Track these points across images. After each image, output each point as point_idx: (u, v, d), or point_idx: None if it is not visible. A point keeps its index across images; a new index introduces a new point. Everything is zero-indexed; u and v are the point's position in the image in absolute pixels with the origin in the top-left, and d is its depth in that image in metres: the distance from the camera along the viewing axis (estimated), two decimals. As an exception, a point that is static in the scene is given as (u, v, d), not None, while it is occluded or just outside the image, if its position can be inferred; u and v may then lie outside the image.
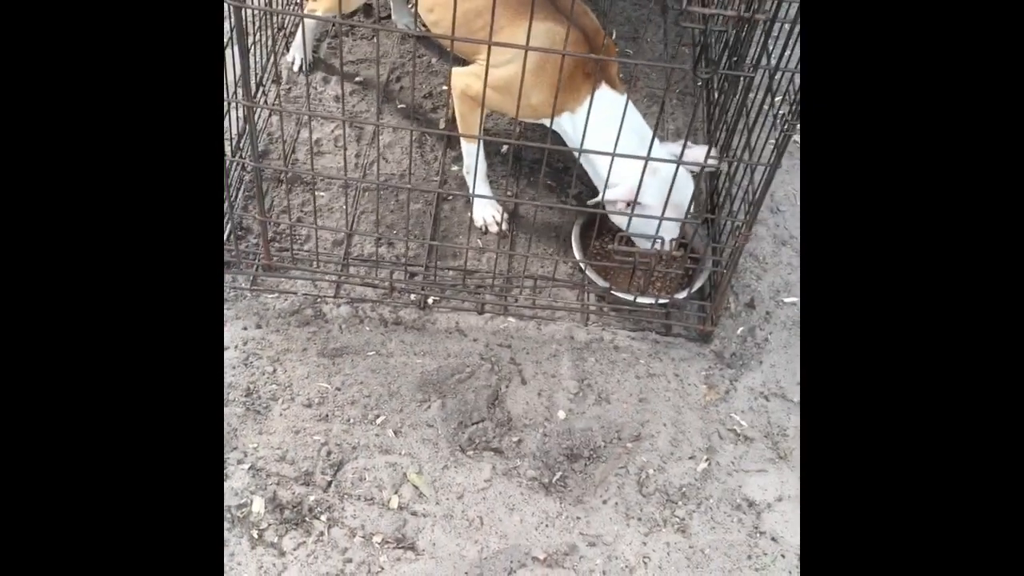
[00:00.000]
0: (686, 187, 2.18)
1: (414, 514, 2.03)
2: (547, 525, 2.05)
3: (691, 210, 2.19)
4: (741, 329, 2.44)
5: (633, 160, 2.09)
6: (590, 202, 2.27)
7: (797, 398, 2.32)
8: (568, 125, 2.28)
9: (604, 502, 2.10)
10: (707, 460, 2.19)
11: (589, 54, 2.04)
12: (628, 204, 2.18)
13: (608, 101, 2.22)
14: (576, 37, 2.19)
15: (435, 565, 1.96)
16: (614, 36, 3.14)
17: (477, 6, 2.21)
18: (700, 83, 2.98)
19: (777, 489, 2.16)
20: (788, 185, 2.80)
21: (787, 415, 2.29)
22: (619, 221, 2.29)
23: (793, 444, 2.24)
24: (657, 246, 2.16)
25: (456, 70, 2.40)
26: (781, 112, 1.95)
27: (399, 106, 2.85)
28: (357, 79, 2.91)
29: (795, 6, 1.93)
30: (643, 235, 2.19)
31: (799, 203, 2.75)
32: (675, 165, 2.04)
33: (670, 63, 1.68)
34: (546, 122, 2.33)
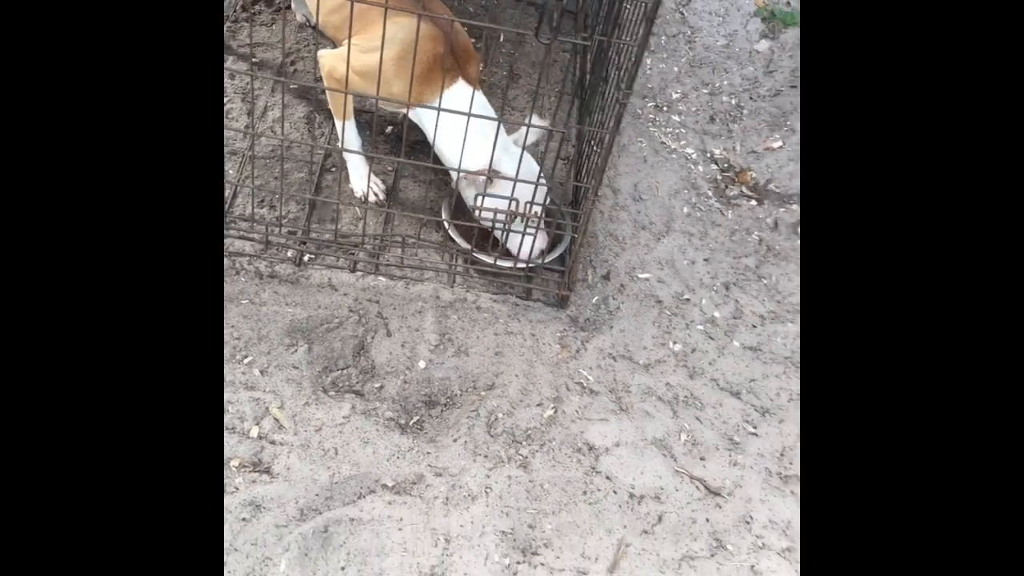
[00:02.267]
0: (531, 162, 2.39)
1: (272, 443, 2.15)
2: (398, 457, 2.19)
3: (542, 177, 2.39)
4: (596, 298, 2.64)
5: (483, 144, 2.30)
6: (454, 184, 2.45)
7: (643, 360, 2.52)
8: (426, 116, 2.46)
9: (454, 440, 2.25)
10: (554, 408, 2.36)
11: (440, 36, 2.22)
12: (487, 180, 2.38)
13: (464, 95, 2.39)
14: (434, 33, 2.37)
15: (288, 487, 2.08)
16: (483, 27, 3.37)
17: None
18: (569, 52, 3.21)
19: (616, 436, 2.34)
20: (651, 178, 3.03)
21: (631, 374, 2.48)
22: (470, 197, 2.48)
23: (635, 399, 2.43)
24: (514, 207, 2.34)
25: (323, 52, 2.57)
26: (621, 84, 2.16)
27: (292, 86, 3.00)
28: (253, 60, 3.07)
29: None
30: (501, 196, 2.37)
31: (662, 194, 2.98)
32: (521, 148, 2.26)
33: (517, 29, 1.88)
34: (409, 112, 2.50)
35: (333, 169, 2.79)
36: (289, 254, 2.54)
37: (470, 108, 2.21)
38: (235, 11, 3.19)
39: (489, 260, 2.52)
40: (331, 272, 2.53)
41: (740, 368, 2.56)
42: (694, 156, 3.18)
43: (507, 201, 2.33)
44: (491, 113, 2.46)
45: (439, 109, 2.23)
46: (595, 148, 2.50)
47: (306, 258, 2.54)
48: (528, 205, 2.32)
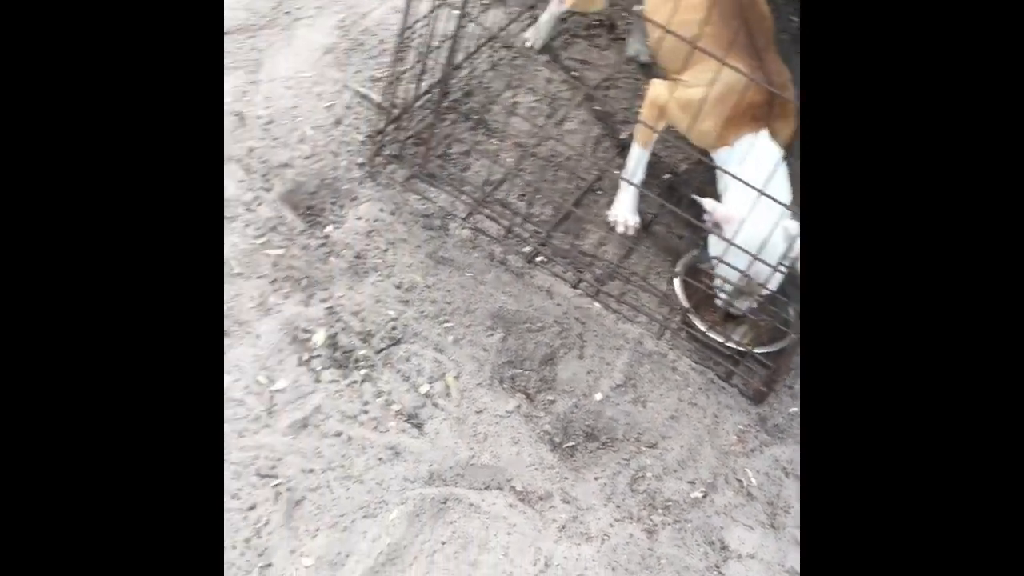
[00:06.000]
0: (779, 243, 2.33)
1: (435, 405, 2.25)
2: (537, 469, 2.22)
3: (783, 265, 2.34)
4: (794, 409, 2.52)
5: (750, 203, 2.27)
6: (696, 196, 2.45)
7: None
8: (723, 159, 2.48)
9: (595, 479, 2.24)
10: (704, 492, 2.28)
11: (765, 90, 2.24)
12: (716, 224, 2.38)
13: (764, 147, 2.39)
14: (761, 87, 2.38)
15: (430, 449, 2.17)
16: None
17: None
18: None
19: (754, 549, 2.22)
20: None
21: (798, 497, 2.35)
22: (715, 246, 2.47)
23: (790, 521, 2.30)
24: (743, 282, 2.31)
25: (655, 80, 2.65)
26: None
27: (595, 107, 3.12)
28: (573, 73, 3.22)
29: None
30: (728, 263, 2.35)
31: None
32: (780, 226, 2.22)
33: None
34: (711, 152, 2.54)
35: (599, 192, 2.87)
36: (525, 249, 2.64)
37: (757, 158, 2.20)
38: (568, 36, 3.36)
39: (703, 327, 2.49)
40: (554, 280, 2.60)
41: (916, 543, 2.35)
42: None
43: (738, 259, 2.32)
44: (786, 179, 2.44)
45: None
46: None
47: (538, 259, 2.63)
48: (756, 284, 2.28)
